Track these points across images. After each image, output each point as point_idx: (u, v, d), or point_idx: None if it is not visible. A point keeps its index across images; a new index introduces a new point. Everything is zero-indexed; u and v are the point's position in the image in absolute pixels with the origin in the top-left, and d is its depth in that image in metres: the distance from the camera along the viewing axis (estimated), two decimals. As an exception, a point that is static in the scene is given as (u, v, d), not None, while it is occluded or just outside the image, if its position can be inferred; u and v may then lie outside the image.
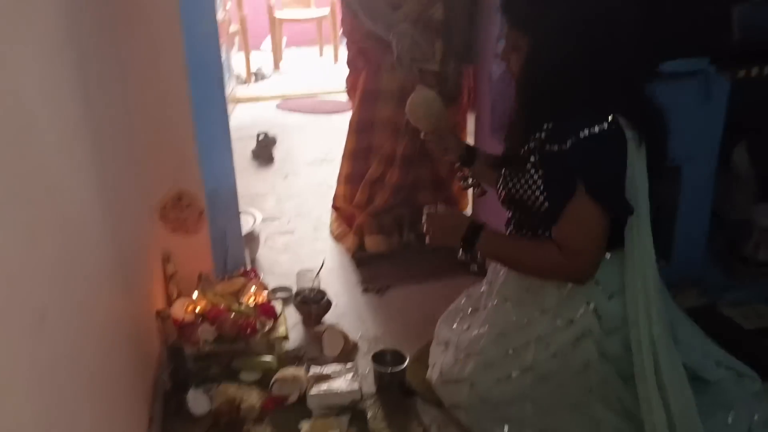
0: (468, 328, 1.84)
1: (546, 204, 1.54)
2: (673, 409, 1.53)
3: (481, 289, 1.88)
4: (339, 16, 2.56)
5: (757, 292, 2.29)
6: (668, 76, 2.00)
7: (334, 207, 2.93)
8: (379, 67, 2.57)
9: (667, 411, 1.54)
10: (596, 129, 1.43)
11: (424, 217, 1.69)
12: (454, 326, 1.92)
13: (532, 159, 1.55)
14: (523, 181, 1.58)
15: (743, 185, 2.43)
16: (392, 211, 2.73)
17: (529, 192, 1.57)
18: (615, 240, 1.53)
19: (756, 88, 2.10)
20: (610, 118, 1.44)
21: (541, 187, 1.54)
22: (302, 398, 1.84)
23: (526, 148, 1.58)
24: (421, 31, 2.46)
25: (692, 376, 1.78)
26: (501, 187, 1.65)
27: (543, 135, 1.53)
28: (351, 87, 2.74)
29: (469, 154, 1.87)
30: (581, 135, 1.43)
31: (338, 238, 2.87)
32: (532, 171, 1.55)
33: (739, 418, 1.70)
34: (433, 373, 1.89)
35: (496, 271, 1.79)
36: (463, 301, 1.99)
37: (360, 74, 2.65)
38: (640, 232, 1.52)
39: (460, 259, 1.71)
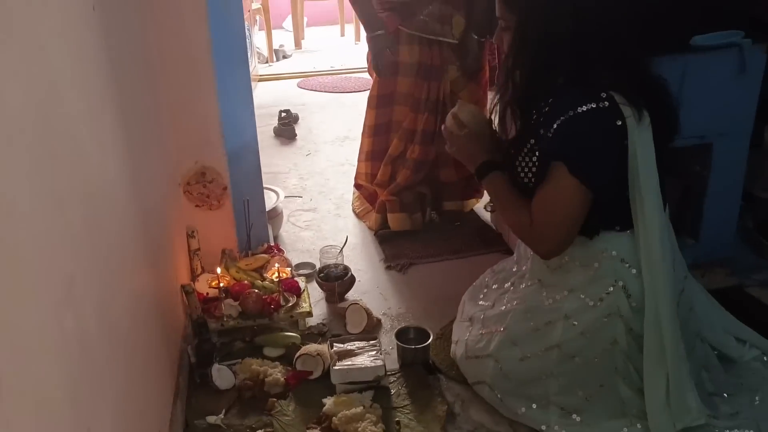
0: (494, 305, 1.83)
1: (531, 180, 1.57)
2: (670, 386, 1.53)
3: (512, 269, 1.86)
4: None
5: (788, 273, 2.24)
6: (702, 50, 1.94)
7: (356, 185, 2.92)
8: (398, 38, 2.53)
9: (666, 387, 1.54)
10: (584, 108, 1.43)
11: (447, 122, 1.71)
12: (480, 302, 1.91)
13: (531, 142, 1.56)
14: (523, 164, 1.59)
15: (775, 163, 2.37)
16: (414, 188, 2.71)
17: (525, 175, 1.59)
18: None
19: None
20: (603, 95, 1.43)
21: (533, 170, 1.56)
22: (326, 374, 1.84)
23: (524, 129, 1.58)
24: (440, 4, 2.42)
25: (719, 356, 1.76)
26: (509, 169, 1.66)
27: (540, 118, 1.52)
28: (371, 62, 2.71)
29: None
30: (567, 115, 1.44)
31: (360, 215, 2.86)
32: (530, 155, 1.56)
33: (766, 399, 1.67)
34: (457, 350, 1.88)
35: (526, 255, 1.77)
36: (488, 278, 1.98)
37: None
38: (644, 208, 1.50)
39: (487, 209, 1.71)
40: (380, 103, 2.66)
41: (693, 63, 1.95)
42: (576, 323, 1.59)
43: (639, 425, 1.59)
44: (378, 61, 2.56)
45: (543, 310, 1.65)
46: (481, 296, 1.94)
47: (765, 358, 1.83)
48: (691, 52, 1.95)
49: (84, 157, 1.16)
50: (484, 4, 2.47)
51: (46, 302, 0.90)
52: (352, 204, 2.95)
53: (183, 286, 1.95)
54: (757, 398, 1.69)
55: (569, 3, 1.46)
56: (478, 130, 1.69)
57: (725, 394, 1.69)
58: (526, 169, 1.59)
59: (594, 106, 1.43)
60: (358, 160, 2.85)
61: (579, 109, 1.44)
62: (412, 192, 2.71)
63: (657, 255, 1.51)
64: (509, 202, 1.63)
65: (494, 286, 1.92)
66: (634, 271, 1.55)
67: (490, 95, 2.69)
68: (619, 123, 1.44)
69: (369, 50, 2.60)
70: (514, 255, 1.91)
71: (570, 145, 1.46)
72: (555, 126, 1.46)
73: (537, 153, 1.55)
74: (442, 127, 1.74)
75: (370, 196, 2.85)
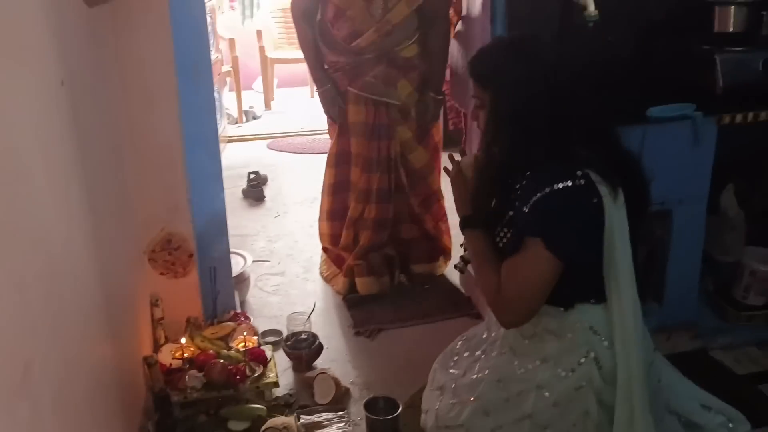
0: (465, 374, 1.81)
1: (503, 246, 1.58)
2: None
3: (483, 336, 1.86)
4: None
5: (749, 336, 2.28)
6: (658, 121, 2.02)
7: (323, 248, 2.92)
8: (347, 98, 2.60)
9: None
10: (561, 185, 1.45)
11: (465, 161, 1.69)
12: (451, 370, 1.89)
13: (509, 214, 1.58)
14: (501, 234, 1.61)
15: (732, 228, 2.44)
16: (380, 250, 2.72)
17: (501, 242, 1.60)
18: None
19: (742, 132, 2.13)
20: (579, 173, 1.45)
21: (504, 236, 1.59)
22: (292, 447, 1.79)
23: (504, 201, 1.60)
24: (386, 67, 2.51)
25: (686, 423, 1.77)
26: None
27: (518, 191, 1.55)
28: (330, 122, 2.78)
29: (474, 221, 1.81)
30: (543, 192, 1.46)
31: (328, 279, 2.85)
32: (508, 226, 1.58)
33: None
34: (427, 419, 1.85)
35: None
36: (459, 345, 1.97)
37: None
38: (619, 283, 1.51)
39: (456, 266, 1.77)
40: (338, 162, 2.71)
41: (650, 133, 2.02)
42: (548, 394, 1.59)
43: None
44: (332, 112, 2.66)
45: (515, 380, 1.64)
46: (452, 364, 1.92)
47: (730, 425, 1.84)
48: (649, 123, 2.02)
49: (47, 234, 1.14)
50: (440, 65, 2.59)
51: (0, 390, 0.87)
52: (320, 267, 2.94)
53: (145, 358, 1.90)
54: None
55: (543, 79, 1.48)
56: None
57: None
58: (505, 239, 1.60)
59: (570, 184, 1.45)
60: (320, 220, 2.86)
61: (555, 186, 1.45)
62: (379, 254, 2.72)
63: (630, 328, 1.52)
64: (486, 262, 1.63)
65: (465, 354, 1.91)
66: (606, 343, 1.56)
67: (444, 156, 2.74)
68: (595, 201, 1.46)
69: (321, 104, 2.69)
70: (485, 320, 1.91)
71: (546, 222, 1.48)
72: (532, 201, 1.48)
73: (513, 225, 1.57)
74: (456, 159, 1.71)
75: (337, 259, 2.85)
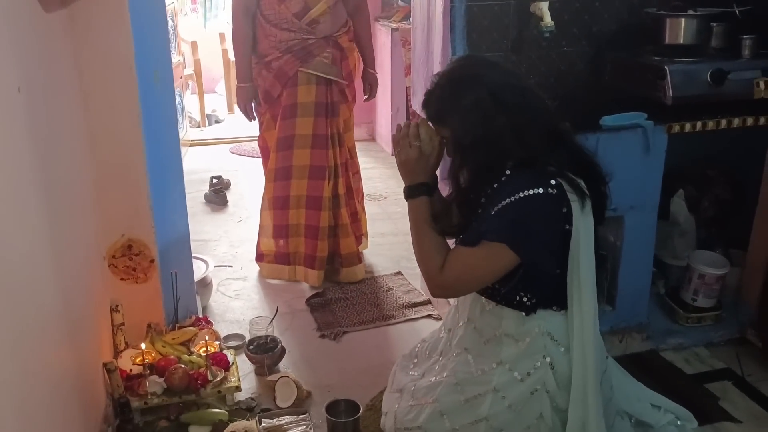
0: (423, 376, 1.85)
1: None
2: None
3: (441, 335, 1.90)
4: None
5: (698, 337, 2.37)
6: (610, 129, 2.09)
7: (258, 257, 2.97)
8: (296, 80, 2.71)
9: None
10: (532, 192, 1.49)
11: (405, 130, 1.68)
12: (410, 373, 1.92)
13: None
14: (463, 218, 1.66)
15: (682, 233, 2.53)
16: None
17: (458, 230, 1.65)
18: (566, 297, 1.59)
19: (690, 141, 2.21)
20: (553, 182, 1.50)
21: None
22: (254, 451, 1.80)
23: (471, 216, 1.64)
24: (332, 48, 2.73)
25: (636, 423, 1.84)
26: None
27: (488, 193, 1.59)
28: (268, 124, 2.87)
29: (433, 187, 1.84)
30: (514, 197, 1.50)
31: (276, 276, 2.90)
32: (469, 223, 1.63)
33: None
34: (386, 421, 1.88)
35: (455, 321, 1.81)
36: (418, 348, 2.01)
37: (278, 101, 2.76)
38: (581, 291, 1.56)
39: None
40: (281, 147, 2.80)
41: (603, 141, 2.08)
42: (504, 397, 1.63)
43: None
44: (246, 108, 2.85)
45: (472, 382, 1.68)
46: (412, 366, 1.96)
47: (679, 423, 1.92)
48: (602, 131, 2.09)
49: (5, 240, 1.14)
50: (370, 47, 2.97)
51: (-43, 400, 0.87)
52: (261, 274, 2.95)
53: (105, 364, 1.89)
54: None
55: (492, 101, 1.51)
56: (428, 152, 1.68)
57: None
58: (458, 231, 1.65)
59: (541, 191, 1.49)
60: (262, 210, 2.94)
61: (527, 192, 1.49)
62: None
63: (589, 335, 1.57)
64: (425, 237, 1.65)
65: (425, 356, 1.94)
66: (562, 349, 1.61)
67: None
68: (565, 210, 1.50)
69: (238, 100, 2.85)
70: (443, 321, 1.95)
71: (514, 228, 1.51)
72: (501, 205, 1.51)
73: (475, 225, 1.59)
74: (396, 129, 1.72)
75: (279, 257, 2.89)
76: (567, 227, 1.51)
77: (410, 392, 1.83)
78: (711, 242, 2.57)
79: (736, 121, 2.18)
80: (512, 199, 1.50)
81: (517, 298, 1.59)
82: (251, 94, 2.82)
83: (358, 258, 2.89)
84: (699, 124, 2.16)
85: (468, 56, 1.70)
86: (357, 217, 2.98)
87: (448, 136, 1.59)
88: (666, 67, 2.17)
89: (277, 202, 2.85)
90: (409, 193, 1.69)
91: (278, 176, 2.83)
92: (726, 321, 2.41)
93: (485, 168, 1.57)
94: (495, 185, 1.57)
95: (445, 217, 1.70)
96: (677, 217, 2.51)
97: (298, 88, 2.71)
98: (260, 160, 3.12)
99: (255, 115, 2.89)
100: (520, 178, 1.53)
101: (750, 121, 2.19)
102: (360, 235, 3.00)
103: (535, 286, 1.57)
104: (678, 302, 2.44)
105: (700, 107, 2.20)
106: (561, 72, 2.41)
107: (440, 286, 1.63)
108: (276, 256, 2.90)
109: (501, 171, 1.57)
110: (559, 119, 1.62)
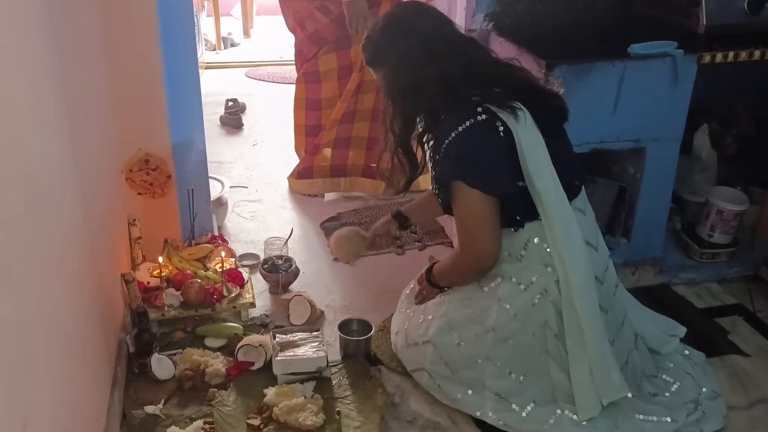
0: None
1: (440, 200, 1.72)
2: (591, 363, 1.62)
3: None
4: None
5: (711, 273, 2.37)
6: (639, 58, 2.03)
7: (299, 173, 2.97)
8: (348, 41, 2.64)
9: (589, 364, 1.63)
10: (465, 125, 1.57)
11: (415, 299, 1.92)
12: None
13: (430, 166, 1.71)
14: (437, 192, 1.73)
15: (703, 168, 2.49)
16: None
17: (434, 188, 1.74)
18: None
19: (718, 74, 2.15)
20: (480, 109, 1.57)
21: (437, 190, 1.71)
22: (268, 365, 1.85)
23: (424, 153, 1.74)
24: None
25: (649, 349, 1.88)
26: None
27: (429, 151, 1.69)
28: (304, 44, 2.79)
29: (402, 224, 2.03)
30: (450, 137, 1.58)
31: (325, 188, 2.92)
32: (437, 186, 1.71)
33: (686, 389, 1.79)
34: (397, 340, 1.92)
35: None
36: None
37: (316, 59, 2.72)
38: (541, 198, 1.60)
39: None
40: (340, 75, 2.75)
41: (630, 69, 2.03)
42: (509, 306, 1.67)
43: (567, 411, 1.66)
44: (359, 27, 2.58)
45: (479, 297, 1.72)
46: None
47: (686, 352, 1.95)
48: (629, 58, 2.03)
49: (25, 141, 1.14)
50: None
51: (-17, 288, 0.89)
52: (295, 191, 2.96)
53: (123, 275, 1.92)
54: (674, 387, 1.80)
55: (424, 49, 1.59)
56: (353, 255, 2.03)
57: (648, 375, 1.81)
58: (440, 197, 1.73)
59: (473, 121, 1.57)
60: (296, 108, 2.92)
61: (460, 128, 1.57)
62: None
63: (560, 242, 1.61)
64: (447, 271, 1.80)
65: None
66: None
67: None
68: (501, 127, 1.56)
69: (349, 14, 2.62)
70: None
71: (460, 163, 1.58)
72: (442, 150, 1.60)
73: (434, 176, 1.69)
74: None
75: (335, 169, 2.90)
76: (511, 142, 1.57)
77: (420, 310, 1.87)
78: (731, 179, 2.53)
79: (771, 53, 2.11)
80: (449, 140, 1.58)
81: (505, 217, 1.63)
82: (363, 8, 2.56)
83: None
84: (731, 54, 2.09)
85: (408, 2, 1.74)
86: None
87: (381, 80, 1.65)
88: (701, -7, 2.08)
89: (344, 118, 2.81)
90: (439, 288, 1.85)
91: (343, 120, 2.80)
92: (740, 258, 2.40)
93: (412, 117, 1.65)
94: (435, 133, 1.65)
95: (394, 178, 1.79)
96: (699, 152, 2.46)
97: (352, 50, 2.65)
98: (275, 84, 3.07)
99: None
100: (449, 119, 1.60)
101: (785, 53, 2.11)
102: None
103: (513, 203, 1.61)
104: (694, 238, 2.42)
105: (734, 37, 2.12)
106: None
107: (474, 258, 1.67)
108: (331, 168, 2.89)
109: (435, 118, 1.64)
110: (494, 67, 1.67)
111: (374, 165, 2.80)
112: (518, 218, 1.63)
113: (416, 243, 2.09)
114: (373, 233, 2.02)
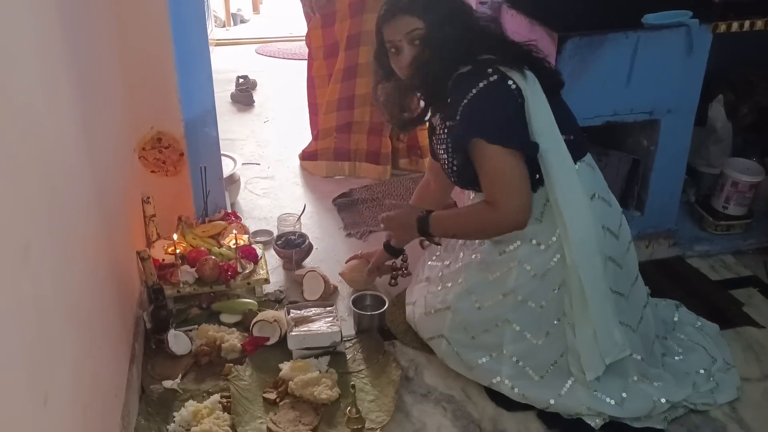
0: (450, 264, 1.89)
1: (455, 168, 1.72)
2: (594, 320, 1.63)
3: None
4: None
5: (725, 245, 2.35)
6: (653, 28, 2.00)
7: (308, 154, 2.97)
8: (363, 6, 2.59)
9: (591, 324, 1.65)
10: (479, 86, 1.59)
11: (381, 225, 1.92)
12: (436, 263, 1.96)
13: (443, 134, 1.72)
14: (449, 161, 1.74)
15: (718, 140, 2.46)
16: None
17: (446, 160, 1.74)
18: None
19: (733, 44, 2.11)
20: (490, 70, 1.60)
21: (452, 159, 1.72)
22: (282, 340, 1.87)
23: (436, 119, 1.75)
24: None
25: (661, 321, 1.88)
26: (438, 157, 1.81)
27: (443, 115, 1.69)
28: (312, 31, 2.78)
29: (392, 253, 2.10)
30: (467, 98, 1.60)
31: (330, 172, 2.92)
32: (444, 146, 1.72)
33: (695, 359, 1.79)
34: (415, 309, 1.93)
35: None
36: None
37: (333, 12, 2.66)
38: (543, 156, 1.62)
39: (425, 246, 1.89)
40: (345, 77, 2.73)
41: (644, 40, 2.00)
42: (528, 267, 1.68)
43: (579, 378, 1.67)
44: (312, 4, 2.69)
45: (497, 261, 1.74)
46: (435, 258, 2.00)
47: (698, 324, 1.95)
48: (643, 29, 2.00)
49: (39, 122, 1.14)
50: None
51: (3, 267, 0.90)
52: (309, 171, 2.96)
53: (138, 252, 1.94)
54: (680, 357, 1.82)
55: (460, 11, 1.66)
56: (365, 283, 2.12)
57: (659, 336, 1.83)
58: (453, 164, 1.73)
59: (486, 82, 1.60)
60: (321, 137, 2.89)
61: (473, 90, 1.60)
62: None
63: (559, 200, 1.62)
64: (461, 221, 1.75)
65: (449, 248, 1.98)
66: None
67: None
68: (513, 86, 1.60)
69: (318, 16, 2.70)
70: None
71: (479, 121, 1.60)
72: (459, 110, 1.61)
73: (450, 143, 1.69)
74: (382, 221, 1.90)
75: (339, 153, 2.90)
76: (520, 100, 1.61)
77: (438, 278, 1.88)
78: (747, 150, 2.50)
79: (787, 21, 2.07)
80: (465, 101, 1.60)
81: None
82: None
83: None
84: (747, 23, 2.05)
85: None
86: None
87: (420, 29, 1.63)
88: (716, -39, 2.04)
89: (341, 103, 2.82)
90: (426, 235, 1.79)
91: (341, 106, 2.80)
92: (755, 230, 2.39)
93: (444, 70, 1.65)
94: (444, 101, 1.67)
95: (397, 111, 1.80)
96: (714, 123, 2.43)
97: (364, 16, 2.61)
98: (285, 60, 3.07)
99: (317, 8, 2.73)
100: (462, 81, 1.63)
101: (802, 21, 2.07)
102: None
103: (532, 159, 1.63)
104: (708, 210, 2.41)
105: (749, 5, 2.08)
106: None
107: (508, 214, 1.64)
108: (335, 152, 2.90)
109: (443, 85, 1.66)
110: (500, 33, 1.74)
111: (378, 150, 2.84)
112: (537, 176, 1.65)
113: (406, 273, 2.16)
114: (373, 266, 2.12)
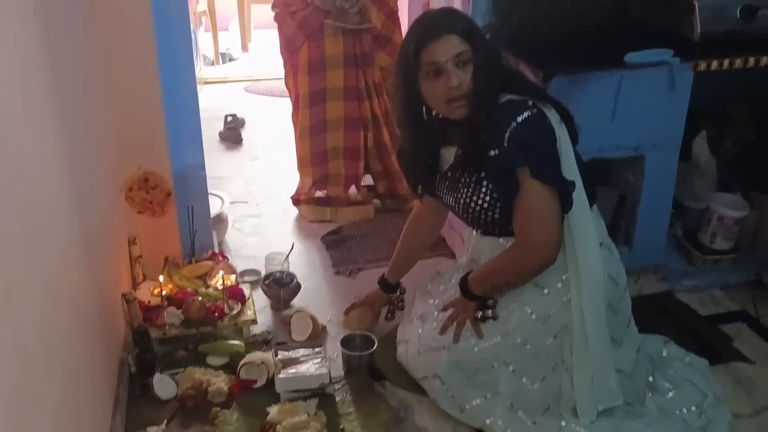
0: (444, 303, 1.87)
1: (497, 209, 1.66)
2: (593, 367, 1.63)
3: (462, 260, 1.92)
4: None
5: (714, 279, 2.36)
6: (635, 66, 2.03)
7: (296, 200, 2.93)
8: (322, 33, 2.63)
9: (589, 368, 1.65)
10: (523, 116, 1.57)
11: (448, 324, 1.80)
12: (430, 301, 1.95)
13: (481, 173, 1.66)
14: (483, 192, 1.67)
15: (703, 174, 2.49)
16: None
17: (482, 200, 1.68)
18: None
19: (714, 80, 2.15)
20: (530, 103, 1.59)
21: (493, 193, 1.65)
22: (270, 382, 1.84)
23: (470, 158, 1.68)
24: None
25: (648, 357, 1.87)
26: (452, 202, 1.76)
27: (483, 144, 1.63)
28: (290, 72, 2.78)
29: (387, 290, 2.11)
30: (512, 126, 1.57)
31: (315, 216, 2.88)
32: (484, 182, 1.67)
33: (685, 396, 1.78)
34: (409, 348, 1.90)
35: (479, 249, 1.81)
36: (435, 278, 2.03)
37: (298, 52, 2.69)
38: (574, 201, 1.61)
39: (486, 317, 1.76)
40: (313, 102, 2.72)
41: (627, 78, 2.03)
42: (530, 310, 1.67)
43: (573, 423, 1.65)
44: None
45: (500, 301, 1.71)
46: (430, 296, 1.98)
47: (687, 359, 1.94)
48: (626, 68, 2.03)
49: (23, 162, 1.14)
50: None
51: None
52: (301, 214, 2.93)
53: (124, 295, 1.91)
54: (671, 394, 1.80)
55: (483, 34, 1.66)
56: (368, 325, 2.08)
57: (650, 378, 1.82)
58: (488, 196, 1.67)
59: (529, 113, 1.58)
60: (301, 169, 2.87)
61: (519, 118, 1.57)
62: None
63: (577, 243, 1.62)
64: (497, 271, 1.70)
65: (441, 288, 1.97)
66: None
67: None
68: (549, 123, 1.61)
69: (287, 58, 2.75)
70: (466, 253, 1.94)
71: (529, 150, 1.58)
72: (507, 137, 1.58)
73: (491, 178, 1.64)
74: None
75: (320, 200, 2.88)
76: (554, 137, 1.61)
77: (434, 317, 1.86)
78: (731, 184, 2.53)
79: (765, 60, 2.11)
80: (511, 128, 1.57)
81: None
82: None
83: None
84: (726, 62, 2.09)
85: None
86: None
87: (467, 51, 1.59)
88: (694, 1, 2.09)
89: (314, 128, 2.79)
90: (478, 301, 1.74)
91: (313, 132, 2.78)
92: (742, 263, 2.40)
93: (494, 90, 1.61)
94: (484, 129, 1.62)
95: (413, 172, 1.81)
96: (699, 158, 2.46)
97: (325, 41, 2.64)
98: (274, 98, 3.07)
99: None
100: (500, 111, 1.60)
101: (781, 59, 2.12)
102: None
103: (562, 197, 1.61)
104: (695, 244, 2.42)
105: (728, 44, 2.13)
106: (586, 5, 2.34)
107: (539, 253, 1.61)
108: (317, 200, 2.88)
109: (492, 105, 1.62)
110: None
111: (356, 173, 2.82)
112: None
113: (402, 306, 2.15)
114: (378, 307, 2.12)
